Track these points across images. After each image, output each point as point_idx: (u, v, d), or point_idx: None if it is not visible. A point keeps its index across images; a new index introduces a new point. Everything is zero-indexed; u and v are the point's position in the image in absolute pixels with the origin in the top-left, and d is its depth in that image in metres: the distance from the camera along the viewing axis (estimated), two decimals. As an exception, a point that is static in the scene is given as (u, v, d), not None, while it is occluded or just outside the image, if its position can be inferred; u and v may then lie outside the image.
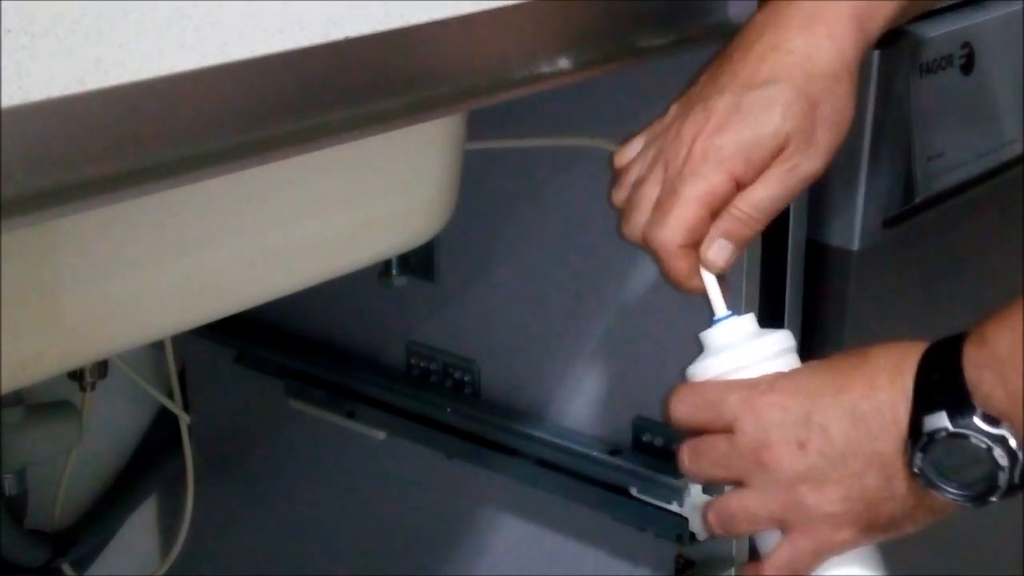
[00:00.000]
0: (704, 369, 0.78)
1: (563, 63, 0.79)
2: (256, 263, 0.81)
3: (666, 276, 0.80)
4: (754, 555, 1.05)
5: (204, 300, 0.79)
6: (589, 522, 1.10)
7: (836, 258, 1.01)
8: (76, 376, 1.29)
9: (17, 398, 1.25)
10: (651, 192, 0.80)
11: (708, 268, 0.79)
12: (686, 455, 0.77)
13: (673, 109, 0.83)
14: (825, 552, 0.74)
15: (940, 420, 0.68)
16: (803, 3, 0.81)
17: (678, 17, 0.88)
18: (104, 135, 0.59)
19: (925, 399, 0.69)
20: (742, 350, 0.78)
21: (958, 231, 1.11)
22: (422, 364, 1.19)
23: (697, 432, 0.77)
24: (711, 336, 0.79)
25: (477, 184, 0.99)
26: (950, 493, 0.70)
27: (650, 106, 0.97)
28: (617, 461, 1.06)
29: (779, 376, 0.76)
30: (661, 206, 0.79)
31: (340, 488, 1.30)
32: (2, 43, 0.55)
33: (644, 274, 1.02)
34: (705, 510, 0.78)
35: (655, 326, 1.03)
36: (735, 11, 0.91)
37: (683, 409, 0.77)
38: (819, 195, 0.98)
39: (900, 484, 0.71)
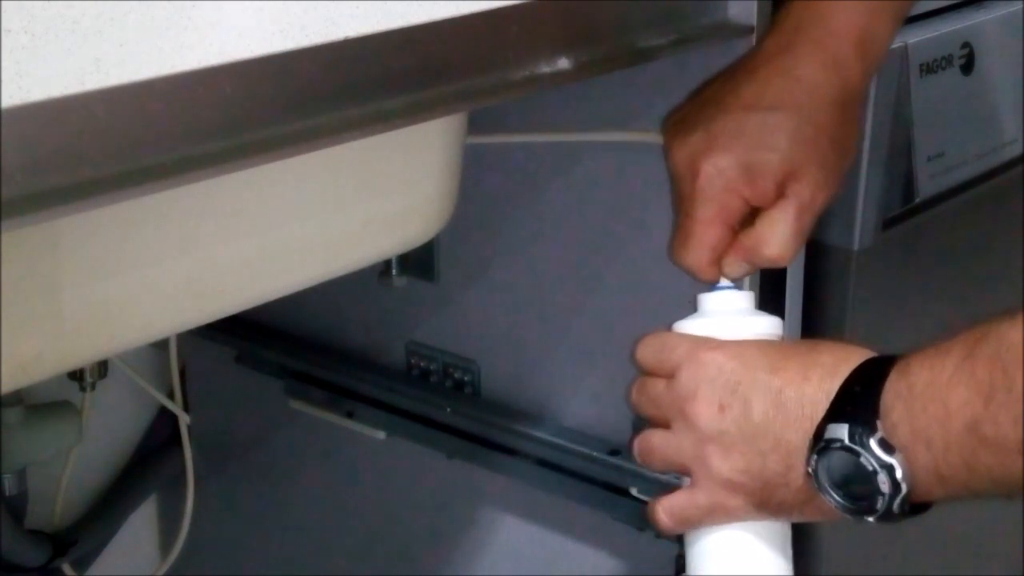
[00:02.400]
0: (688, 327, 0.81)
1: (563, 63, 0.79)
2: (256, 263, 0.81)
3: None
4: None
5: (204, 300, 0.79)
6: (589, 522, 1.10)
7: (836, 258, 1.01)
8: (76, 376, 1.29)
9: (17, 398, 1.25)
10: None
11: (723, 275, 0.83)
12: (634, 389, 0.82)
13: (670, 129, 0.84)
14: (718, 513, 0.78)
15: (840, 431, 0.70)
16: (811, 32, 0.82)
17: (678, 17, 0.88)
18: (104, 135, 0.59)
19: (838, 407, 0.71)
20: (729, 321, 0.81)
21: (958, 231, 1.11)
22: (422, 364, 1.19)
23: (650, 374, 0.81)
24: (706, 299, 0.82)
25: (477, 184, 0.99)
26: (833, 500, 0.72)
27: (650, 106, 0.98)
28: (617, 461, 1.06)
29: (729, 341, 0.78)
30: (681, 230, 0.83)
31: (340, 488, 1.30)
32: (2, 43, 0.55)
33: (645, 274, 1.02)
34: (633, 435, 0.82)
35: (655, 326, 1.03)
36: (735, 11, 0.91)
37: (643, 351, 0.81)
38: (819, 195, 0.98)
39: (797, 477, 0.73)
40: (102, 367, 1.30)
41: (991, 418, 0.65)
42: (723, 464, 0.75)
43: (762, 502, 0.75)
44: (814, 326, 1.01)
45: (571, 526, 1.13)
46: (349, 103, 0.69)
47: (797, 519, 0.77)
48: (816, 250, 1.00)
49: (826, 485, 0.71)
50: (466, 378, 1.17)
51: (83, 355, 0.80)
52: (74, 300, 0.72)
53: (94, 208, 0.59)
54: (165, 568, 1.42)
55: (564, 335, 1.10)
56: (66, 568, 1.38)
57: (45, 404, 1.30)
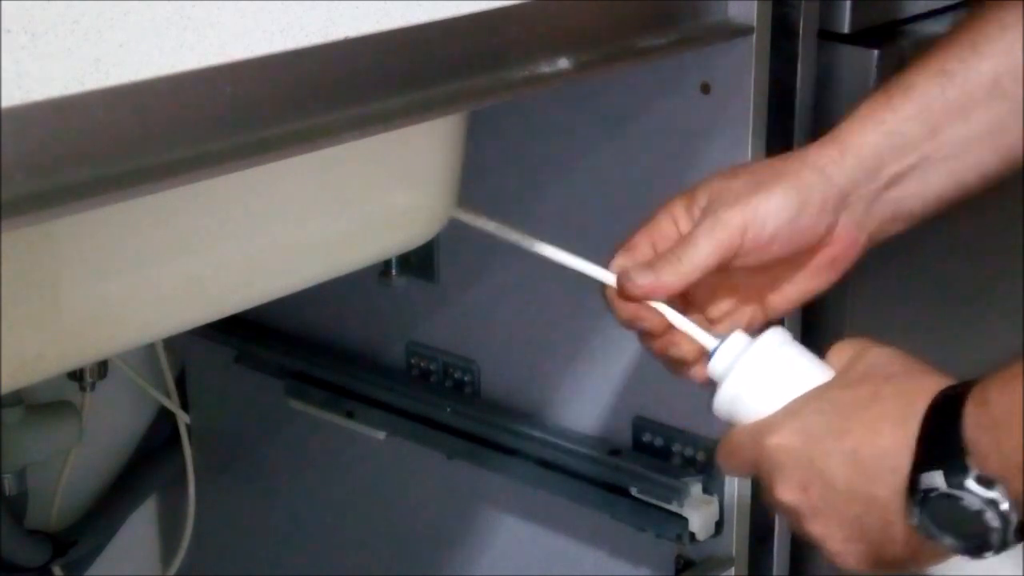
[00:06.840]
0: (719, 402, 0.81)
1: (563, 63, 0.79)
2: (256, 263, 0.81)
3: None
4: (753, 559, 1.05)
5: (204, 300, 0.79)
6: (589, 522, 1.10)
7: (836, 258, 1.01)
8: (76, 376, 1.29)
9: (17, 398, 1.26)
10: None
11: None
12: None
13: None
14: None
15: (936, 479, 0.69)
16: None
17: (678, 17, 0.88)
18: (104, 135, 0.59)
19: (925, 454, 0.71)
20: (740, 368, 0.80)
21: (958, 231, 1.11)
22: (422, 364, 1.19)
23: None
24: (713, 368, 0.81)
25: (477, 184, 0.99)
26: (947, 544, 0.71)
27: (649, 106, 0.98)
28: (617, 461, 1.06)
29: (786, 416, 0.77)
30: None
31: (340, 488, 1.30)
32: (2, 43, 0.55)
33: (644, 274, 1.02)
34: None
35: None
36: (735, 11, 0.91)
37: (724, 463, 0.82)
38: (819, 195, 0.98)
39: (899, 529, 0.73)
40: (102, 367, 1.30)
41: None
42: (826, 536, 0.75)
43: (875, 562, 0.75)
44: (814, 326, 1.01)
45: (571, 526, 1.13)
46: (349, 103, 0.69)
47: (917, 569, 0.75)
48: (816, 250, 1.00)
49: (934, 532, 0.71)
50: (466, 378, 1.17)
51: (83, 355, 0.80)
52: (74, 300, 0.72)
53: (94, 208, 0.59)
54: (173, 569, 1.43)
55: (564, 335, 1.10)
56: (65, 569, 1.38)
57: (45, 404, 1.30)
